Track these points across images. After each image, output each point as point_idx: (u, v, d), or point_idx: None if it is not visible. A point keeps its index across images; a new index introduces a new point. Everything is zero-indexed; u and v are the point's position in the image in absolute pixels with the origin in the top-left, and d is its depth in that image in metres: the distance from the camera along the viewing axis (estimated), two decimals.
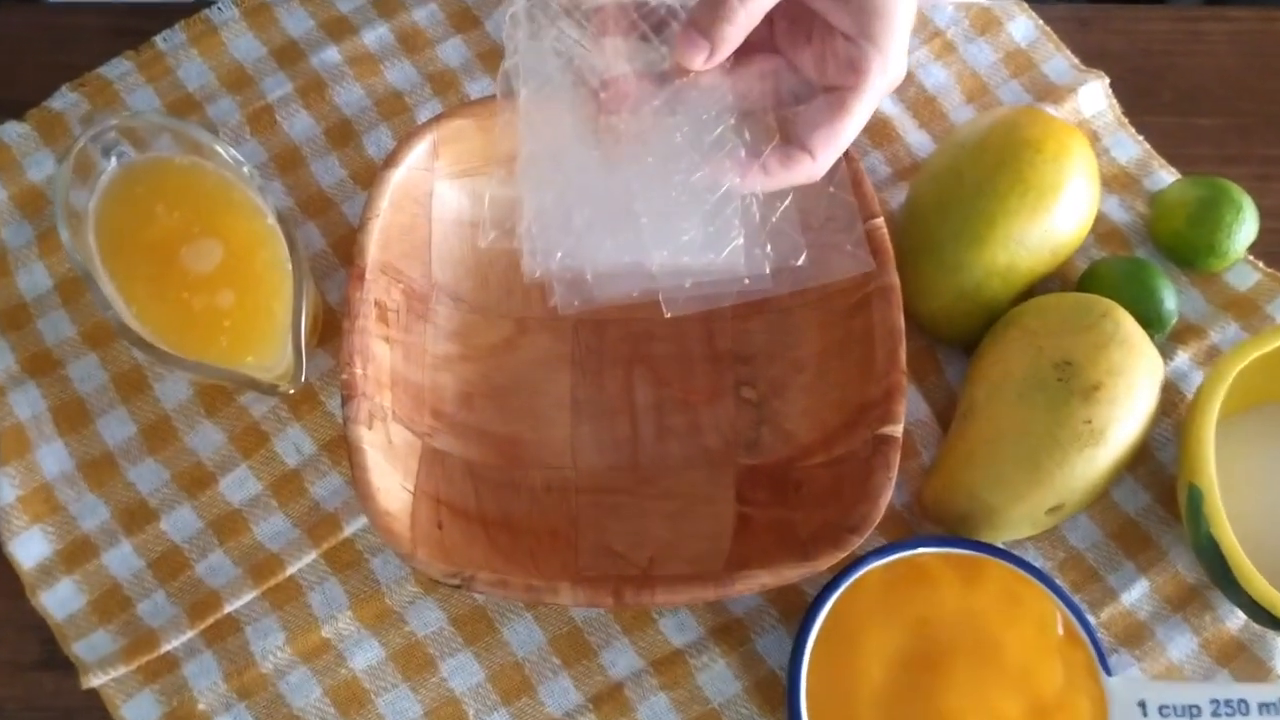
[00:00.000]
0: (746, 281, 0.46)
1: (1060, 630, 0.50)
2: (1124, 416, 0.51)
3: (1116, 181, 0.63)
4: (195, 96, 0.63)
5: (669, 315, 0.46)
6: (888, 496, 0.49)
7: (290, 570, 0.54)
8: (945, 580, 0.50)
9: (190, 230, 0.52)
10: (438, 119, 0.55)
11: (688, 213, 0.45)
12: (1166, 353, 0.58)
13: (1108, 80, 0.64)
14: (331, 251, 0.60)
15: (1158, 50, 0.66)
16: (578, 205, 0.45)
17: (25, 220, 0.60)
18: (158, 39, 0.64)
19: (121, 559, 0.55)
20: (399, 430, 0.53)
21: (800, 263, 0.46)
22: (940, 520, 0.54)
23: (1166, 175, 0.63)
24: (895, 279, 0.53)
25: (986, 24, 0.65)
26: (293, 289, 0.50)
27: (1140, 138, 0.64)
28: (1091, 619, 0.54)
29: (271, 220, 0.52)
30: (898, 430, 0.50)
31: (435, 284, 0.57)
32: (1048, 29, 0.66)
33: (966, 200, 0.55)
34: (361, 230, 0.53)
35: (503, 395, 0.57)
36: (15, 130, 0.61)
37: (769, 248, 0.46)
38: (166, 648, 0.53)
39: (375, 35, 0.64)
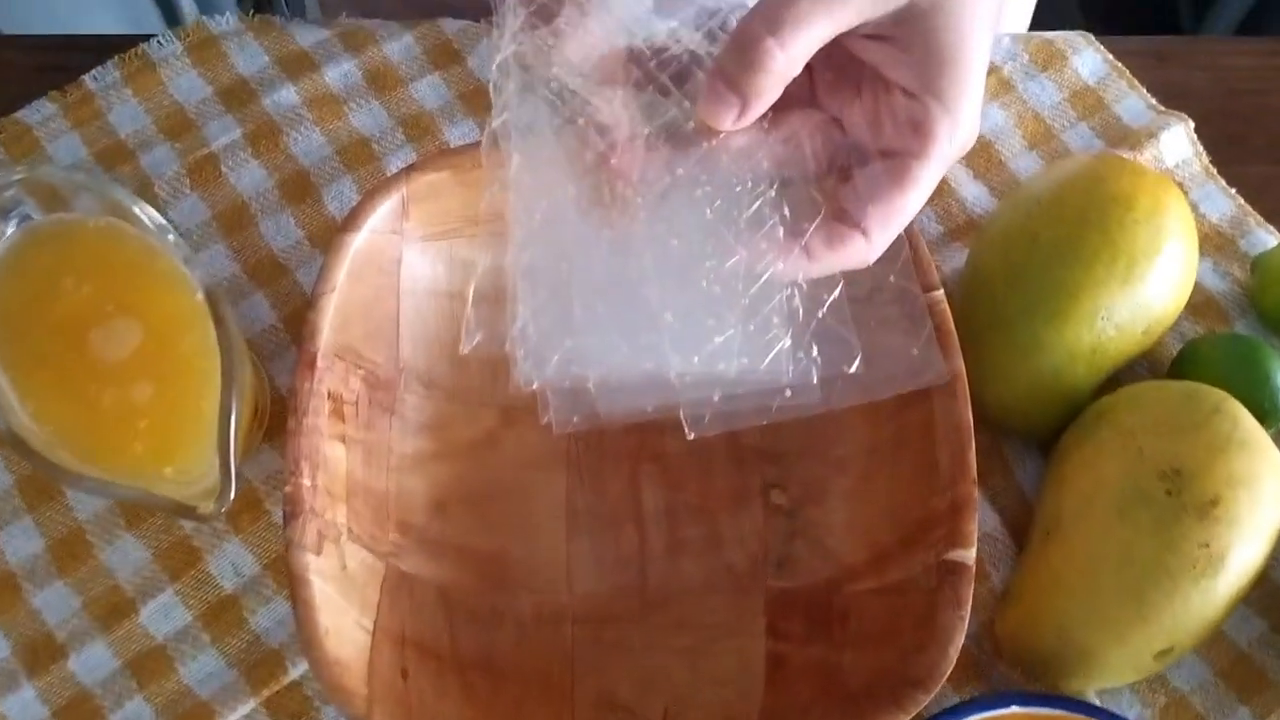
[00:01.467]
0: (788, 394, 0.36)
1: None
2: (1248, 538, 0.42)
3: (1208, 243, 0.53)
4: (128, 144, 0.54)
5: (692, 437, 0.36)
6: (960, 640, 0.40)
7: None
8: None
9: (103, 308, 0.43)
10: (408, 171, 0.46)
11: (721, 309, 0.35)
12: None
13: (1192, 124, 0.55)
14: (283, 327, 0.52)
15: (1246, 90, 0.58)
16: (582, 298, 0.36)
17: None
18: (87, 77, 0.55)
19: (21, 707, 0.46)
20: (356, 552, 0.43)
21: (854, 369, 0.36)
22: (1019, 660, 0.44)
23: (1267, 235, 0.54)
24: (961, 365, 0.44)
25: (1049, 58, 0.57)
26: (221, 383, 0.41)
27: (1233, 190, 0.55)
28: None
29: (200, 296, 0.43)
30: (969, 556, 0.41)
31: (404, 368, 0.47)
32: (1119, 64, 0.57)
33: (1043, 268, 0.46)
34: (313, 308, 0.44)
35: (484, 502, 0.47)
36: None
37: (815, 350, 0.36)
38: None
39: (339, 72, 0.55)
